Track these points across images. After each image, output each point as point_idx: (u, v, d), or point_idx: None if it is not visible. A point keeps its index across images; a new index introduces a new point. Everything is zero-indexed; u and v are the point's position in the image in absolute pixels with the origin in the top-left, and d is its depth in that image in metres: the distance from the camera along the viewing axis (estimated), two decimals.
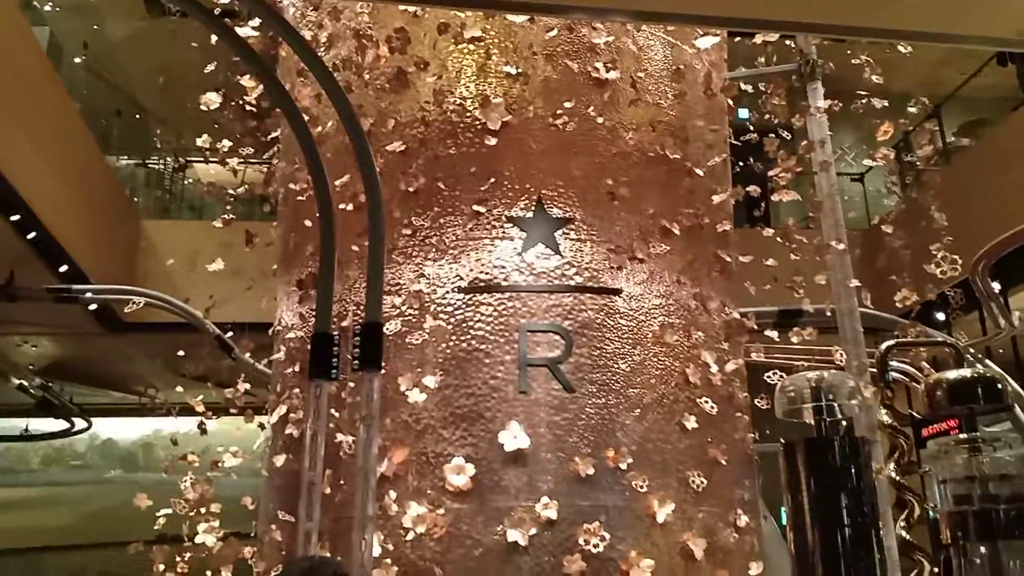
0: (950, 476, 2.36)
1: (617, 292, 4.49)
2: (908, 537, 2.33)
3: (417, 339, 4.22)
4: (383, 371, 4.02)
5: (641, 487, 4.11)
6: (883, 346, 2.60)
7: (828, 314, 4.73)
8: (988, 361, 4.75)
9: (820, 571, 2.28)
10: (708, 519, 4.20)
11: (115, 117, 15.92)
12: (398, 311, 4.31)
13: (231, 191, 5.71)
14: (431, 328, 4.24)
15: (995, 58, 10.81)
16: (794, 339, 4.59)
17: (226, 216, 5.45)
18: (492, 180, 4.53)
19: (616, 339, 4.41)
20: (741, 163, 5.63)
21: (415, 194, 4.51)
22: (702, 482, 4.22)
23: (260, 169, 5.95)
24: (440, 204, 4.52)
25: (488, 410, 4.16)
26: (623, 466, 4.13)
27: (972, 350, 4.24)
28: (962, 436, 2.39)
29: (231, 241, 5.37)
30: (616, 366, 4.35)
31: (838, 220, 4.87)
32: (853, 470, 2.36)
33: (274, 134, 5.64)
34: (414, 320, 4.30)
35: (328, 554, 3.64)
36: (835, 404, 2.43)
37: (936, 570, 2.30)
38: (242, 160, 5.67)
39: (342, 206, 4.38)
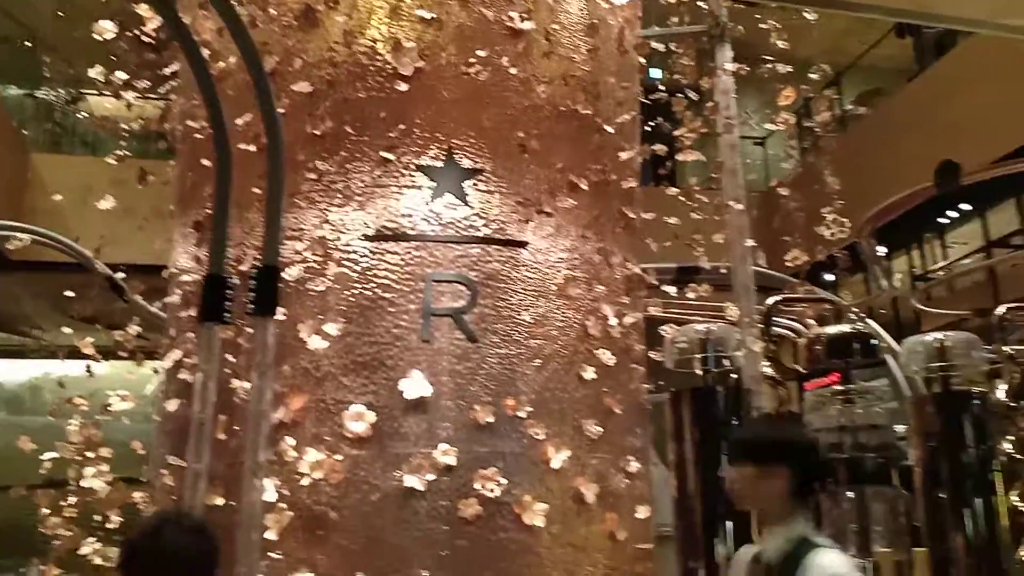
0: (824, 425, 2.48)
1: (523, 244, 4.51)
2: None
3: (319, 286, 4.15)
4: (283, 317, 3.96)
5: (538, 435, 4.19)
6: (768, 302, 2.70)
7: (723, 272, 4.88)
8: (870, 320, 5.00)
9: (699, 512, 2.39)
10: (601, 465, 4.33)
11: (2, 43, 14.87)
12: (300, 257, 4.22)
13: (126, 126, 5.43)
14: (334, 275, 4.17)
15: (894, 30, 11.18)
16: (690, 295, 4.73)
17: (120, 152, 5.19)
18: (402, 127, 4.45)
19: (520, 291, 4.44)
20: (650, 122, 5.70)
21: (321, 138, 4.39)
22: (597, 430, 4.34)
23: (157, 104, 5.67)
24: (347, 149, 4.41)
25: (390, 358, 4.14)
26: (522, 414, 4.20)
27: (854, 309, 4.46)
28: (838, 388, 2.52)
29: (125, 179, 5.13)
30: (519, 317, 4.39)
31: (738, 181, 5.00)
32: (735, 418, 2.46)
33: (173, 68, 5.38)
34: (317, 267, 4.21)
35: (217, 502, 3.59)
36: (721, 356, 2.52)
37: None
38: (138, 94, 5.39)
39: (243, 146, 4.21)
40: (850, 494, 2.44)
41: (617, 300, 4.72)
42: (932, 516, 2.50)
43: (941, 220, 6.28)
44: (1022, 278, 5.72)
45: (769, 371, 2.57)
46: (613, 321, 4.59)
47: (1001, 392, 2.65)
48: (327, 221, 4.29)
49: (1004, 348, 2.73)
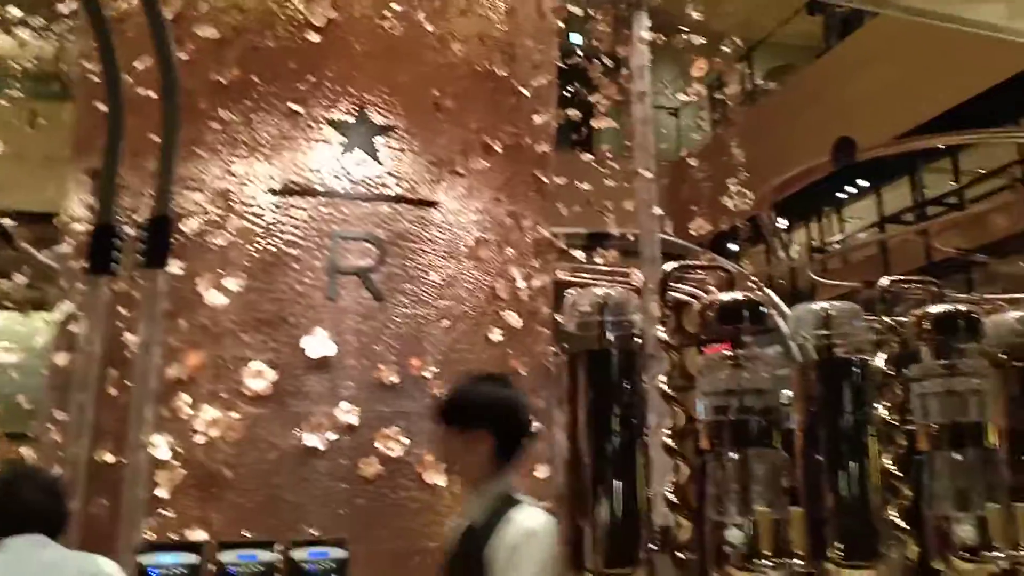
0: (712, 389, 2.51)
1: (434, 205, 4.43)
2: (671, 444, 2.47)
3: (220, 240, 4.00)
4: (180, 271, 3.81)
5: (443, 395, 4.16)
6: (666, 268, 2.73)
7: (631, 239, 4.91)
8: (768, 289, 5.13)
9: (589, 474, 2.38)
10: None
11: None
12: (201, 209, 4.05)
13: (18, 65, 5.08)
14: (237, 229, 4.02)
15: (806, 7, 11.38)
16: (598, 260, 4.75)
17: (10, 93, 4.85)
18: (312, 79, 4.29)
19: (430, 251, 4.37)
20: (567, 87, 5.66)
21: (227, 86, 4.20)
22: None
23: (54, 44, 5.32)
24: (254, 99, 4.23)
25: (293, 316, 4.03)
26: (427, 374, 4.16)
27: (752, 277, 4.58)
28: (727, 352, 2.54)
29: (15, 121, 4.81)
30: (428, 278, 4.32)
31: (648, 149, 5.02)
32: (627, 382, 2.45)
33: (72, 6, 5.04)
34: (218, 220, 4.05)
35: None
36: (618, 320, 2.50)
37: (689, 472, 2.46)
38: (33, 31, 5.04)
39: (142, 91, 3.99)
40: (734, 455, 2.47)
41: (527, 263, 4.70)
42: (809, 477, 2.56)
43: (839, 195, 6.50)
44: (911, 252, 5.99)
45: (664, 335, 2.59)
46: (522, 284, 4.57)
47: (881, 360, 2.73)
48: (231, 173, 4.13)
49: (886, 318, 2.82)
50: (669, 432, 2.73)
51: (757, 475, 2.68)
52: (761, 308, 2.81)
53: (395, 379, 4.08)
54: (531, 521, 2.24)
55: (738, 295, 2.85)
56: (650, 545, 2.60)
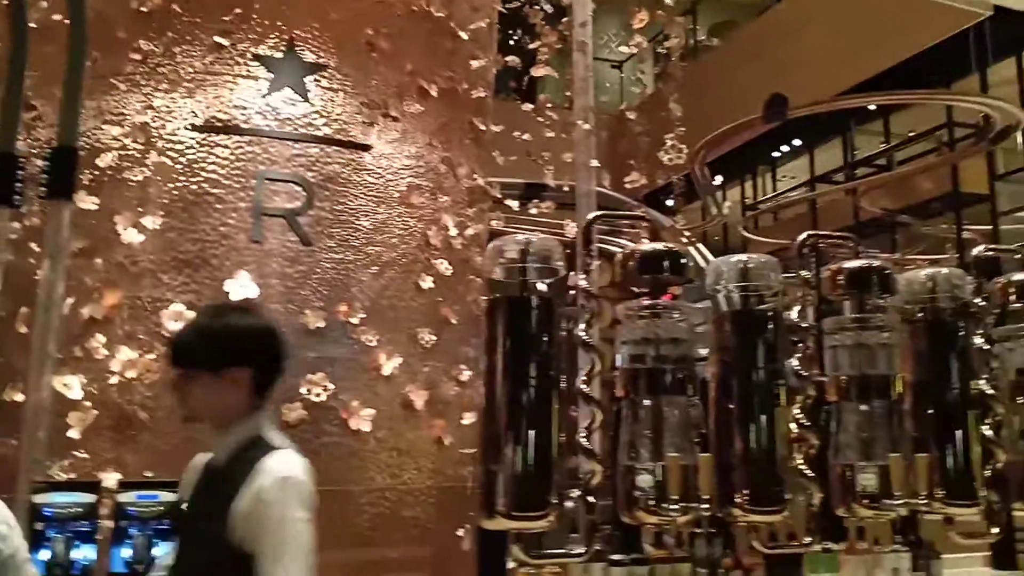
0: (630, 337, 2.53)
1: (366, 148, 4.32)
2: (587, 391, 2.49)
3: (139, 176, 3.83)
4: (95, 207, 3.65)
5: (370, 341, 4.11)
6: (587, 217, 2.71)
7: (567, 190, 4.88)
8: (701, 246, 5.17)
9: (503, 420, 2.38)
10: (433, 373, 4.31)
11: None
12: (119, 143, 3.87)
13: None
14: (156, 165, 3.86)
15: None
16: (533, 211, 4.72)
17: None
18: (239, 11, 4.11)
19: (360, 195, 4.27)
20: (508, 32, 5.54)
21: (147, 15, 3.99)
22: (431, 339, 4.30)
23: None
24: (176, 30, 4.04)
25: (216, 257, 3.91)
26: (354, 320, 4.09)
27: (686, 232, 4.60)
28: (646, 302, 2.56)
29: None
30: (358, 222, 4.23)
31: (588, 101, 4.96)
32: (546, 330, 2.45)
33: None
34: (138, 155, 3.88)
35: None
36: (541, 267, 2.49)
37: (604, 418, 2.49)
38: None
39: (57, 17, 3.77)
40: (648, 402, 2.50)
41: (460, 212, 4.63)
42: (720, 426, 2.61)
43: (774, 154, 6.57)
44: (840, 212, 6.10)
45: (585, 284, 2.59)
46: (454, 232, 4.51)
47: (795, 313, 2.78)
48: (151, 107, 3.95)
49: (803, 273, 2.86)
50: (585, 379, 2.76)
51: (669, 422, 2.73)
52: (681, 259, 2.82)
53: (321, 324, 4.01)
54: (285, 467, 2.03)
55: (659, 245, 2.85)
56: (562, 490, 2.63)
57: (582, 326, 2.54)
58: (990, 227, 4.77)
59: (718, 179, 6.73)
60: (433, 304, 4.38)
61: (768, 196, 6.50)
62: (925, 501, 2.67)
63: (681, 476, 2.37)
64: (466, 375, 4.35)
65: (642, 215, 3.16)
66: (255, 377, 2.10)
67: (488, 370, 2.44)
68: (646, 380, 2.49)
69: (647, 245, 2.63)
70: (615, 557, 2.49)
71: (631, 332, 2.53)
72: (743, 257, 2.71)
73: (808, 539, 2.65)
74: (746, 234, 5.53)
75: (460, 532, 3.93)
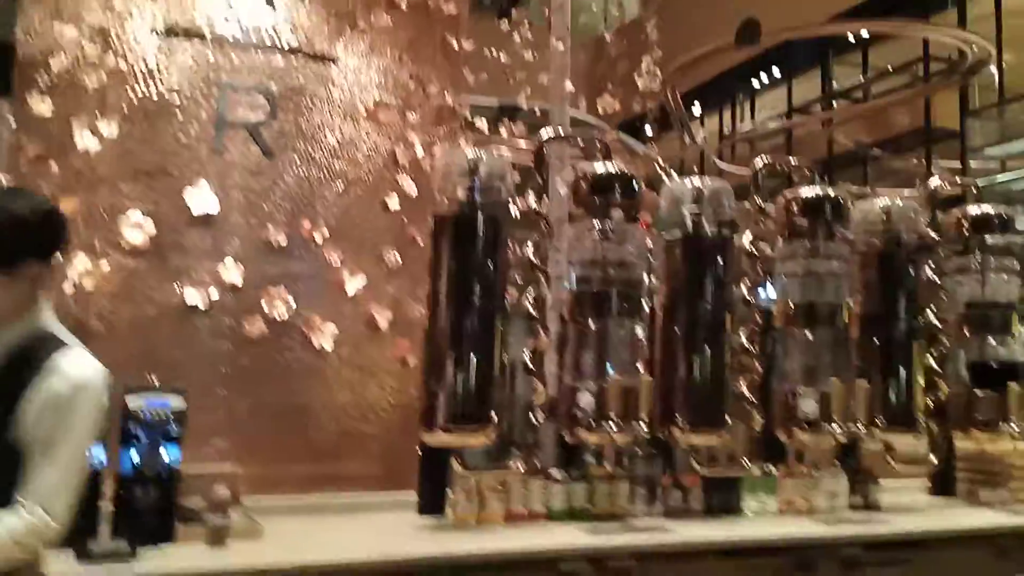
0: (578, 259, 2.50)
1: (333, 60, 4.19)
2: (533, 312, 2.48)
3: (97, 81, 3.71)
4: (50, 113, 3.55)
5: (335, 260, 4.06)
6: (540, 136, 2.64)
7: (540, 114, 4.79)
8: (675, 174, 5.10)
9: (448, 340, 2.36)
10: (398, 294, 4.28)
11: None
12: (76, 45, 3.73)
13: None
14: (115, 71, 3.73)
15: None
16: (503, 132, 4.63)
17: None
18: None
19: (326, 110, 4.16)
20: None
21: None
22: (397, 259, 4.26)
23: None
24: None
25: (176, 167, 3.82)
26: (318, 238, 4.04)
27: (660, 161, 4.52)
28: (596, 223, 2.53)
29: None
30: (323, 137, 4.13)
31: (565, 21, 4.82)
32: (492, 249, 2.42)
33: None
34: (95, 59, 3.75)
35: None
36: (488, 186, 2.44)
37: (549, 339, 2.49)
38: None
39: None
40: (594, 324, 2.48)
41: (429, 130, 4.54)
42: (666, 349, 2.61)
43: (753, 84, 6.45)
44: (816, 144, 6.02)
45: (534, 204, 2.55)
46: (422, 152, 4.43)
47: (746, 240, 2.76)
48: (110, 8, 3.80)
49: (756, 199, 2.81)
50: (532, 300, 2.75)
51: (613, 344, 2.73)
52: (632, 182, 2.78)
53: (283, 240, 3.95)
54: (81, 369, 1.84)
55: (610, 167, 2.79)
56: (502, 408, 2.64)
57: (530, 248, 2.51)
58: (959, 164, 4.74)
59: (697, 108, 6.61)
60: (400, 224, 4.32)
61: (745, 126, 6.41)
62: (864, 428, 2.71)
63: (621, 396, 2.37)
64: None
65: (632, 145, 3.09)
66: (40, 266, 1.88)
67: (432, 288, 2.41)
68: (591, 302, 2.47)
69: (598, 166, 2.58)
70: (556, 473, 2.51)
71: (579, 254, 2.50)
72: (697, 180, 2.66)
73: (747, 462, 2.69)
74: (720, 164, 5.46)
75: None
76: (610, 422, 2.36)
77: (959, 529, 2.66)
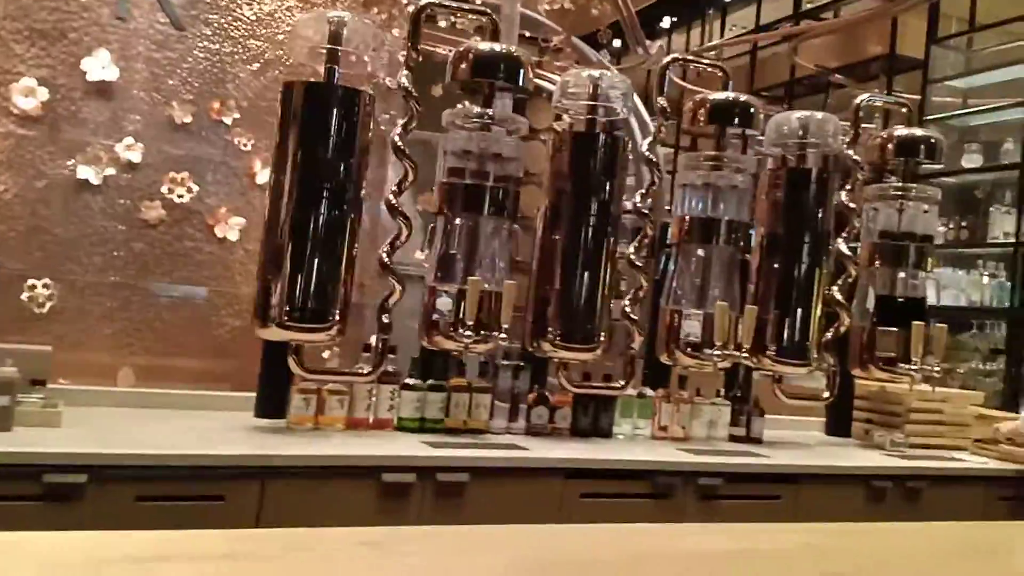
0: (451, 148, 2.23)
1: None
2: (395, 202, 2.22)
3: None
4: None
5: (244, 145, 3.77)
6: (412, 10, 2.33)
7: (489, 11, 4.40)
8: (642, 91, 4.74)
9: (289, 231, 2.10)
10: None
11: None
12: None
13: None
14: None
15: None
16: (441, 23, 4.28)
17: None
18: None
19: None
20: None
21: None
22: None
23: None
24: None
25: (74, 31, 3.48)
26: (227, 120, 3.73)
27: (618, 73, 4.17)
28: (475, 110, 2.24)
29: None
30: (240, 12, 3.78)
31: None
32: (349, 129, 2.14)
33: None
34: None
35: None
36: (350, 56, 2.14)
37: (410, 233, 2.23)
38: None
39: None
40: (459, 220, 2.23)
41: (361, 13, 4.17)
42: (544, 256, 2.36)
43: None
44: (780, 66, 5.66)
45: (406, 82, 2.25)
46: None
47: (644, 144, 2.48)
48: None
49: (660, 100, 2.52)
50: (395, 191, 2.49)
51: (481, 243, 2.48)
52: (519, 66, 2.48)
53: (188, 120, 3.65)
54: None
55: (496, 47, 2.48)
56: (347, 306, 2.39)
57: (398, 130, 2.23)
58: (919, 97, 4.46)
59: (667, 21, 6.21)
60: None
61: (709, 44, 6.03)
62: (748, 355, 2.49)
63: (480, 302, 2.14)
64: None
65: (585, 51, 2.77)
66: None
67: (275, 168, 2.14)
68: (463, 196, 2.21)
69: (483, 45, 2.27)
70: (409, 381, 2.30)
71: (452, 143, 2.22)
72: (594, 72, 2.36)
73: (622, 382, 2.48)
74: (679, 82, 5.13)
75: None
76: (466, 329, 2.13)
77: (834, 468, 2.48)
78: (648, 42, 4.49)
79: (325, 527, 1.09)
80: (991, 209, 4.18)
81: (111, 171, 3.53)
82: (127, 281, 3.69)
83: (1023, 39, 4.03)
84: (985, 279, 4.18)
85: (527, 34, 4.90)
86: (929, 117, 4.51)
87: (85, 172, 3.50)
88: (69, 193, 3.51)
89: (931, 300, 4.37)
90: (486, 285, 2.15)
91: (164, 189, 3.62)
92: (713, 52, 5.72)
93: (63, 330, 3.56)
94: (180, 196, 3.65)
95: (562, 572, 1.03)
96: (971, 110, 4.49)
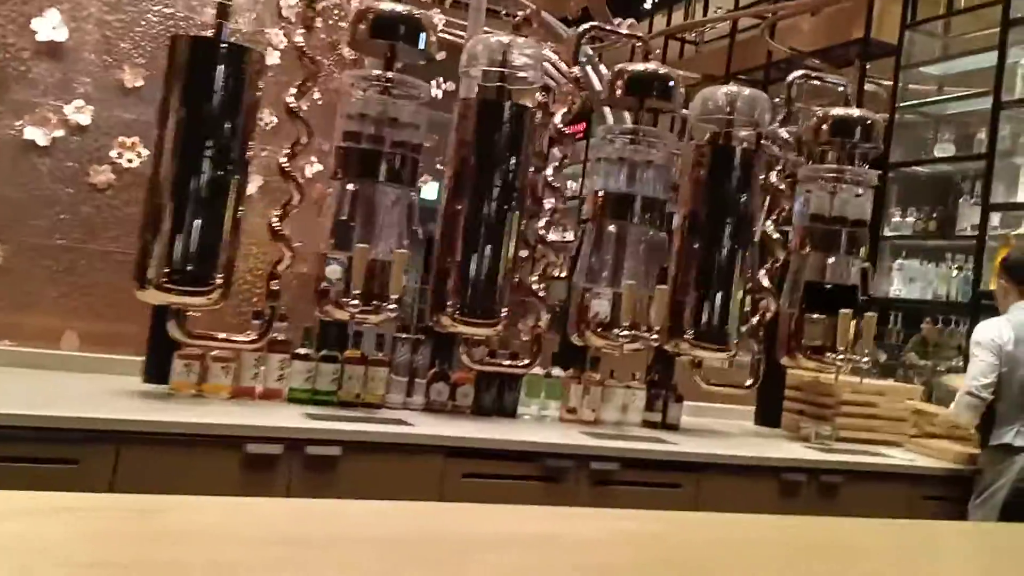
0: (347, 111, 2.12)
1: None
2: (287, 166, 2.11)
3: None
4: None
5: (267, 125, 3.66)
6: None
7: None
8: (603, 66, 4.60)
9: (171, 191, 1.99)
10: (270, 158, 3.90)
11: None
12: None
13: None
14: None
15: None
16: None
17: None
18: None
19: None
20: None
21: None
22: (271, 120, 3.86)
23: None
24: None
25: None
26: None
27: (587, 52, 4.02)
28: (375, 73, 2.12)
29: None
30: None
31: None
32: (235, 90, 2.03)
33: None
34: None
35: None
36: (232, 24, 2.02)
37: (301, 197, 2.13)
38: None
39: None
40: (352, 186, 2.11)
41: None
42: (447, 226, 2.24)
43: None
44: (758, 49, 5.44)
45: (300, 40, 2.14)
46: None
47: (558, 116, 2.35)
48: None
49: (574, 69, 2.38)
50: (288, 154, 2.38)
51: (375, 211, 2.36)
52: (419, 28, 2.34)
53: (140, 84, 3.55)
54: None
55: (398, 8, 2.35)
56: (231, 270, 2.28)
57: (293, 91, 2.11)
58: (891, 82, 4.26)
59: (648, 2, 6.02)
60: (276, 83, 3.90)
61: (692, 25, 5.86)
62: (656, 337, 2.36)
63: (369, 270, 2.02)
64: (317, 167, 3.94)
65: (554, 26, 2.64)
66: None
67: (158, 124, 2.03)
68: (357, 161, 2.10)
69: (383, 4, 2.14)
70: (300, 351, 2.20)
71: (349, 105, 2.10)
72: (503, 39, 2.23)
73: (527, 361, 2.36)
74: (653, 62, 4.96)
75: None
76: (355, 298, 2.03)
77: (740, 459, 2.32)
78: (620, 20, 4.32)
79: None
80: (960, 201, 3.98)
81: (60, 133, 3.43)
82: (74, 244, 3.61)
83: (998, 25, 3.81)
84: (954, 273, 4.00)
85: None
86: (902, 104, 4.31)
87: (33, 133, 3.40)
88: (16, 154, 3.42)
89: (899, 293, 4.22)
90: (376, 254, 2.04)
91: (113, 153, 3.51)
92: (694, 34, 5.53)
93: (7, 292, 3.50)
94: (130, 160, 3.55)
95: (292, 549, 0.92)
96: (944, 97, 4.28)
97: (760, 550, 1.19)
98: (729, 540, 1.21)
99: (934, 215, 4.11)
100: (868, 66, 4.75)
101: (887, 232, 4.27)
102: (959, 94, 4.16)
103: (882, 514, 2.26)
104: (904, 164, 4.27)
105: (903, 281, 4.13)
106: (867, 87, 4.59)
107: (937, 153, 4.15)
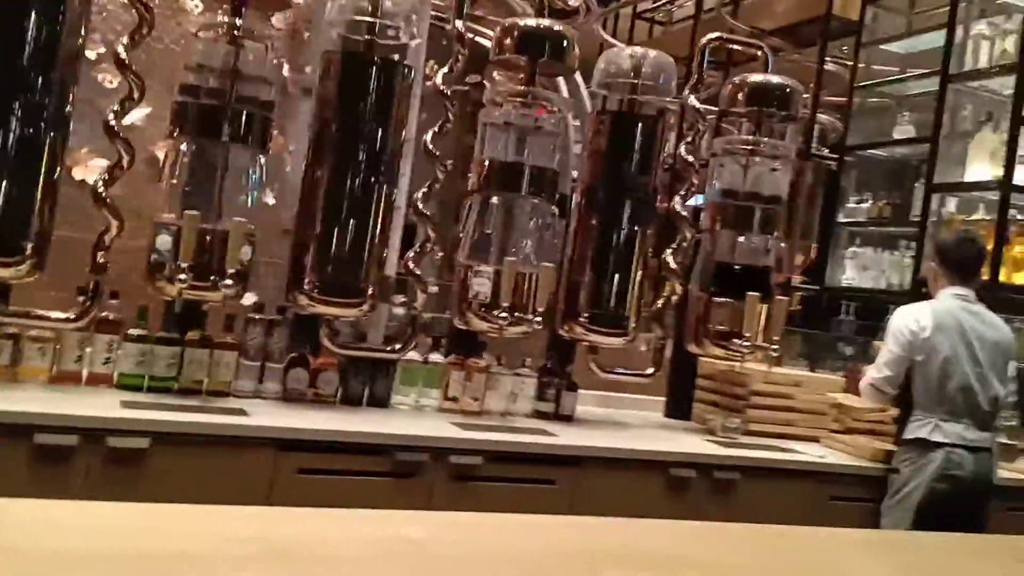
0: (192, 62, 1.87)
1: None
2: (115, 125, 1.86)
3: None
4: None
5: (110, 82, 3.40)
6: None
7: None
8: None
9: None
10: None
11: None
12: None
13: None
14: None
15: None
16: None
17: None
18: None
19: None
20: None
21: None
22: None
23: None
24: None
25: None
26: (91, 55, 3.36)
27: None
28: (225, 20, 1.86)
29: None
30: None
31: None
32: (46, 28, 1.77)
33: None
34: None
35: None
36: None
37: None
38: None
39: None
40: (197, 145, 1.86)
41: None
42: (306, 194, 1.99)
43: None
44: (723, 27, 5.14)
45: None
46: None
47: (439, 76, 2.08)
48: None
49: (457, 23, 2.11)
50: (117, 111, 2.13)
51: (218, 175, 2.11)
52: None
53: None
54: None
55: None
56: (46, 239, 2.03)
57: (124, 41, 1.85)
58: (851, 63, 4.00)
59: None
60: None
61: (658, 3, 5.60)
62: (539, 320, 2.11)
63: (203, 243, 1.77)
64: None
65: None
66: None
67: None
68: (196, 117, 1.84)
69: None
70: (132, 332, 1.95)
71: (193, 57, 1.85)
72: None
73: (399, 345, 2.10)
74: (609, 39, 4.69)
75: None
76: (183, 272, 1.78)
77: (621, 452, 2.07)
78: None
79: None
80: (916, 185, 3.71)
81: None
82: None
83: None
84: (907, 260, 3.72)
85: None
86: (863, 83, 4.03)
87: None
88: None
89: (852, 281, 3.95)
90: (203, 222, 1.78)
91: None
92: (662, 12, 5.26)
93: None
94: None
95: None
96: (905, 75, 3.99)
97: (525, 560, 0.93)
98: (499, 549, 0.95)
99: (888, 201, 3.83)
100: (840, 47, 4.47)
101: (842, 218, 3.99)
102: (918, 72, 3.88)
103: (780, 516, 1.96)
104: (861, 147, 3.99)
105: (856, 269, 3.86)
106: (829, 67, 4.29)
107: (896, 135, 3.86)
